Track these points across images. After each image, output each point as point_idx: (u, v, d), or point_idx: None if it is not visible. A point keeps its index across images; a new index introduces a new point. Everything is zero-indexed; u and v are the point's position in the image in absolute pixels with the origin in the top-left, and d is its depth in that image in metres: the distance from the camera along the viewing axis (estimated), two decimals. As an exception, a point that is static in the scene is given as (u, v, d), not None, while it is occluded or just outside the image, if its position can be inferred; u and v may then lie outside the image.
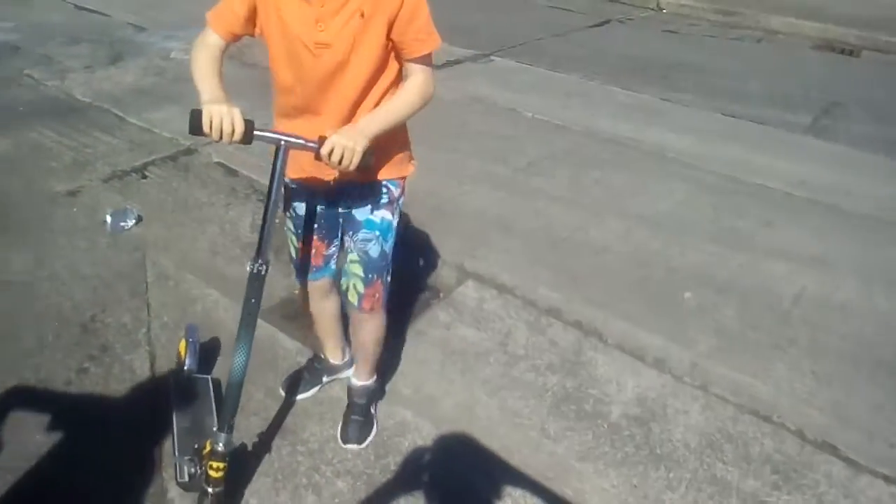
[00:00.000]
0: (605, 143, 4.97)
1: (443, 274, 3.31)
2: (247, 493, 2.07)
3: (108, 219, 3.35)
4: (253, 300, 1.75)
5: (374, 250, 1.99)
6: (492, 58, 6.72)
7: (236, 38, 1.81)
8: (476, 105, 5.47)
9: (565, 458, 2.36)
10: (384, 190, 1.98)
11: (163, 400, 2.28)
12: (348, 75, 1.75)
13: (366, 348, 2.26)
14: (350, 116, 1.80)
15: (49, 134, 4.23)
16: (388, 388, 2.55)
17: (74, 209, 3.48)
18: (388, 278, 2.12)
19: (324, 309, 2.31)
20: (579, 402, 2.61)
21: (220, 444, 1.82)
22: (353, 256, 2.02)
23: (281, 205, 1.89)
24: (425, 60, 1.81)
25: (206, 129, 1.58)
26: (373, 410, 2.39)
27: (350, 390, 2.37)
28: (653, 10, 9.57)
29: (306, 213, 2.05)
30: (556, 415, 2.54)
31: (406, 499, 2.13)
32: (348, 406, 2.36)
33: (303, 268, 2.17)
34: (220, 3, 1.80)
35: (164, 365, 2.50)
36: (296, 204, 2.05)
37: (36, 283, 2.88)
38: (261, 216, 1.77)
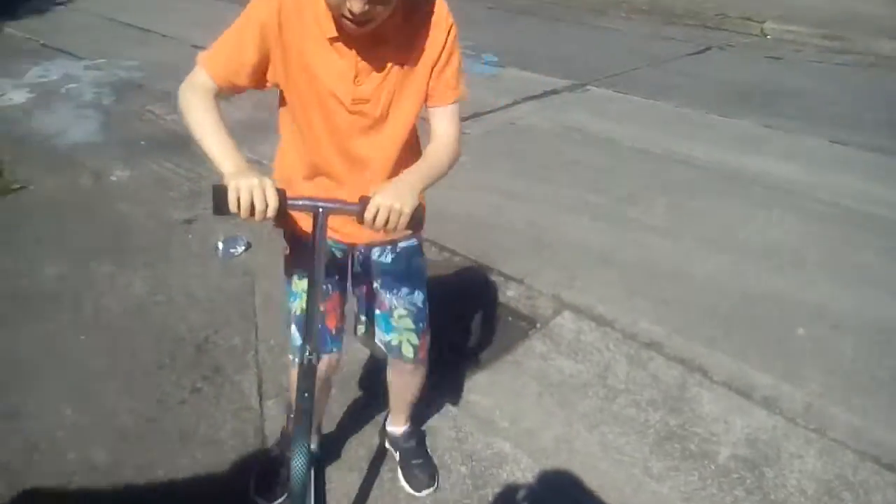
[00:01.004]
0: (706, 171, 4.83)
1: (539, 304, 3.28)
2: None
3: (220, 245, 3.53)
4: (307, 394, 1.48)
5: (418, 299, 1.89)
6: (588, 87, 6.69)
7: (235, 90, 1.57)
8: (572, 135, 5.44)
9: (670, 498, 2.28)
10: (414, 239, 1.87)
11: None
12: (386, 130, 1.62)
13: (413, 396, 2.16)
14: (386, 173, 1.64)
15: (168, 165, 4.51)
16: (484, 418, 2.55)
17: (189, 236, 3.68)
18: None
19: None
20: (684, 441, 2.51)
21: None
22: (400, 312, 1.88)
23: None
24: (455, 109, 1.66)
25: (233, 208, 1.33)
26: (427, 449, 2.31)
27: (395, 440, 2.28)
28: (756, 35, 9.28)
29: (331, 265, 1.78)
30: (659, 453, 2.46)
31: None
32: (402, 455, 2.26)
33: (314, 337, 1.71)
34: (220, 46, 1.56)
35: (271, 389, 2.58)
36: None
37: (155, 305, 3.06)
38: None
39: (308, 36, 1.51)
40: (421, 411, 2.35)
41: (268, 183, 1.34)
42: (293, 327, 1.85)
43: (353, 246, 1.82)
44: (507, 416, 2.59)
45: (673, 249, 3.80)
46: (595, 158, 5.01)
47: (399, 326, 1.89)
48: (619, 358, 2.94)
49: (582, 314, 3.20)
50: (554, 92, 6.47)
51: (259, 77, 1.56)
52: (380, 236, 1.66)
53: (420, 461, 2.23)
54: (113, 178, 4.32)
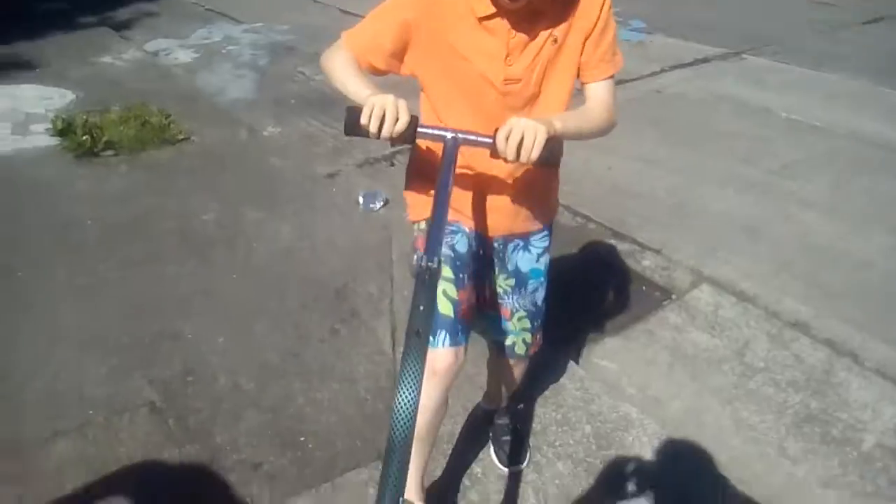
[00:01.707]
0: (873, 147, 4.44)
1: (677, 276, 3.17)
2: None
3: (361, 199, 3.67)
4: (422, 307, 1.23)
5: (539, 297, 1.80)
6: (743, 56, 6.30)
7: (372, 70, 1.55)
8: (724, 104, 5.16)
9: (806, 481, 2.16)
10: (547, 232, 1.78)
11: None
12: (537, 109, 1.53)
13: (513, 384, 2.07)
14: None
15: (315, 123, 4.73)
16: (612, 382, 2.52)
17: (333, 189, 3.85)
18: None
19: (433, 391, 1.60)
20: (825, 425, 2.37)
21: None
22: (521, 314, 1.80)
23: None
24: (611, 84, 1.58)
25: (363, 120, 1.33)
26: (519, 427, 2.24)
27: (489, 416, 2.25)
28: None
29: (467, 254, 1.67)
30: (797, 435, 2.33)
31: (626, 492, 2.08)
32: (494, 432, 2.21)
33: (443, 328, 1.60)
34: (363, 25, 1.55)
35: (403, 336, 2.67)
36: (457, 244, 1.67)
37: (300, 251, 3.24)
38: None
39: (457, 18, 1.47)
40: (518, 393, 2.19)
41: (402, 102, 1.34)
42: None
43: (488, 238, 1.74)
44: (635, 382, 2.54)
45: (830, 226, 3.54)
46: (748, 129, 4.73)
47: (517, 329, 1.82)
48: (760, 336, 2.79)
49: (722, 288, 3.07)
50: (705, 60, 6.15)
51: (396, 63, 1.55)
52: (518, 227, 1.67)
53: (511, 438, 2.17)
54: (265, 133, 4.59)
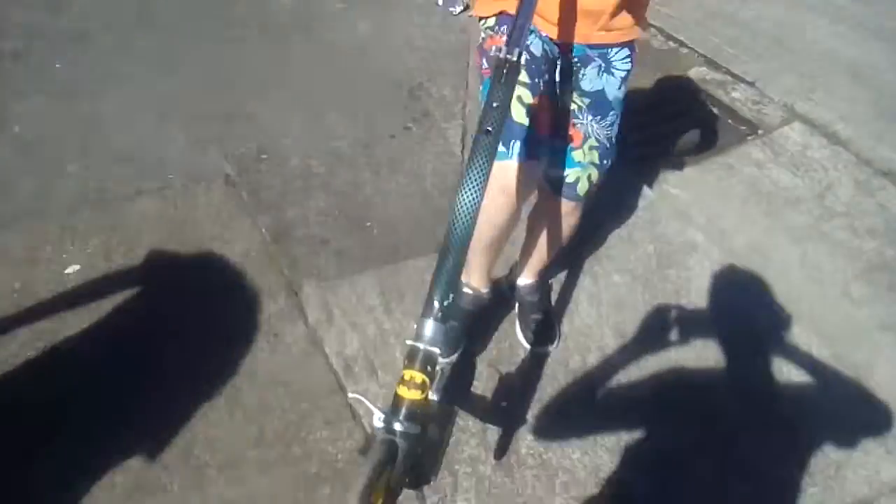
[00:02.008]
0: None
1: (767, 111, 3.00)
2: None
3: (440, 1, 3.50)
4: (496, 104, 1.12)
5: (614, 132, 1.63)
6: None
7: None
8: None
9: (864, 324, 2.14)
10: (630, 54, 1.58)
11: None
12: None
13: (558, 242, 1.85)
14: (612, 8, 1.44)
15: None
16: (681, 210, 2.47)
17: (414, -12, 3.68)
18: None
19: (505, 208, 1.58)
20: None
21: (425, 341, 1.10)
22: (592, 143, 1.61)
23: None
24: None
25: None
26: (551, 307, 2.07)
27: (519, 291, 2.03)
28: None
29: (542, 60, 1.53)
30: (864, 280, 2.29)
31: (681, 312, 2.11)
32: (523, 308, 2.02)
33: (518, 138, 1.51)
34: None
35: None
36: (531, 46, 1.52)
37: (377, 47, 3.15)
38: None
39: None
40: (551, 268, 2.05)
41: None
42: None
43: (565, 47, 1.55)
44: (706, 212, 2.49)
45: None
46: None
47: (584, 161, 1.62)
48: (846, 181, 2.67)
49: (814, 128, 2.89)
50: None
51: None
52: (599, 36, 1.49)
53: (541, 317, 1.99)
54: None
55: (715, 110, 3.00)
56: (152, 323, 1.87)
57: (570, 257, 2.16)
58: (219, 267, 2.06)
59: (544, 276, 2.02)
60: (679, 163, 2.70)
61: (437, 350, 1.11)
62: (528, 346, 1.96)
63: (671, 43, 3.38)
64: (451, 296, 1.13)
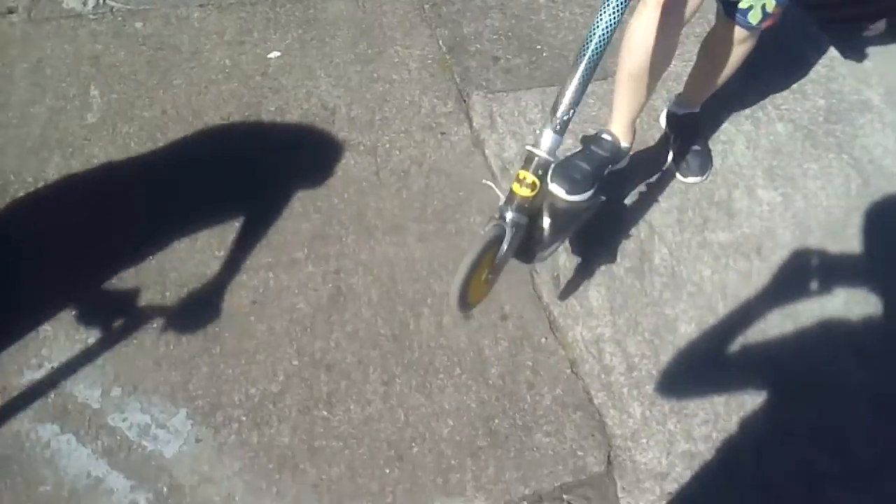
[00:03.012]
0: None
1: None
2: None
3: None
4: None
5: None
6: None
7: None
8: None
9: None
10: None
11: None
12: None
13: (725, 74, 1.80)
14: None
15: None
16: (858, 72, 2.36)
17: None
18: None
19: (662, 28, 1.51)
20: None
21: (541, 148, 1.31)
22: None
23: None
24: None
25: None
26: (707, 139, 2.06)
27: (677, 120, 2.02)
28: None
29: None
30: None
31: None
32: (679, 138, 2.01)
33: None
34: None
35: None
36: None
37: None
38: None
39: None
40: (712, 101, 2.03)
41: None
42: None
43: None
44: (886, 82, 2.36)
45: None
46: None
47: None
48: None
49: None
50: None
51: None
52: None
53: (699, 148, 2.00)
54: None
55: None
56: (333, 109, 2.11)
57: (733, 101, 2.17)
58: (398, 66, 2.25)
59: (704, 106, 2.01)
60: (867, 32, 2.56)
61: (550, 158, 1.30)
62: (678, 176, 2.01)
63: None
64: (572, 111, 1.29)
